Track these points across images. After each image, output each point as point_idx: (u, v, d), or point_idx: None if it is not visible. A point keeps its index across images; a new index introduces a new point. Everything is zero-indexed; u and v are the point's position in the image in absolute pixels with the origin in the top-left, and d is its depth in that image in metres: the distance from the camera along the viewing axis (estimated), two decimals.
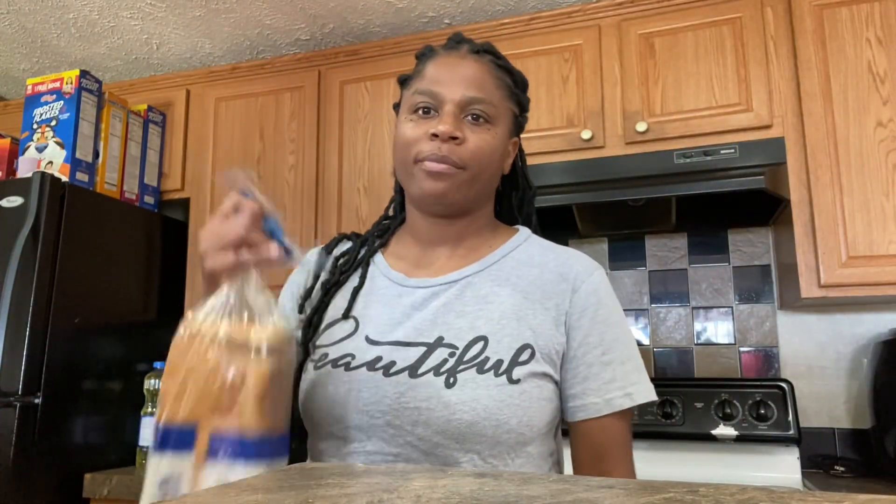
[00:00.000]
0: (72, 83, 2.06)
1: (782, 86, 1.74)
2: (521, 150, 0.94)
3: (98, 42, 2.31)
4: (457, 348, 0.77)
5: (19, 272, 1.72)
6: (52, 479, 1.75)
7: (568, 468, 0.84)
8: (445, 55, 0.85)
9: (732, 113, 1.76)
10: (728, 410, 1.78)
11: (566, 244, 0.89)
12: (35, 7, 2.11)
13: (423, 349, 0.78)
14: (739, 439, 1.76)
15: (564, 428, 0.85)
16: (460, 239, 0.87)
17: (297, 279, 0.95)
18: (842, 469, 1.72)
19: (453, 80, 0.82)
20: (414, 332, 0.80)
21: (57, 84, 2.09)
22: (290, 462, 0.64)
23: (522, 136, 0.98)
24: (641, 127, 1.80)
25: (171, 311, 2.19)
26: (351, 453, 0.79)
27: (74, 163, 2.01)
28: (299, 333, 0.88)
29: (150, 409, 1.92)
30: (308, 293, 0.90)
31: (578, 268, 0.83)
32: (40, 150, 2.04)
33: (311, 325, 0.88)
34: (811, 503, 0.33)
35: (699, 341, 2.02)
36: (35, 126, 2.07)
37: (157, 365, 1.98)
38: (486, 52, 0.86)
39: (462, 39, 0.87)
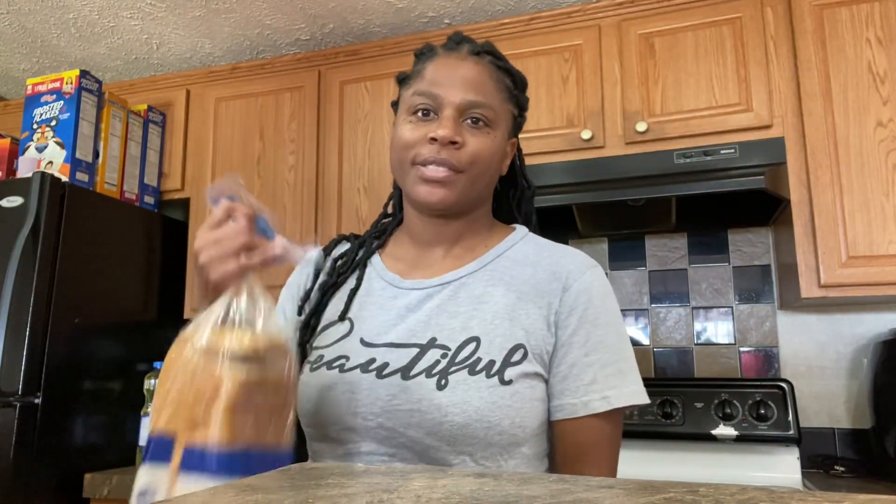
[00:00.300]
0: (72, 83, 2.06)
1: (782, 86, 1.74)
2: (519, 151, 0.93)
3: (98, 42, 2.31)
4: (449, 349, 0.77)
5: (19, 272, 1.72)
6: (52, 479, 1.75)
7: None
8: (445, 56, 0.85)
9: (732, 113, 1.76)
10: (728, 410, 1.78)
11: (566, 244, 0.89)
12: (35, 7, 2.11)
13: (416, 350, 0.78)
14: (739, 439, 1.76)
15: None
16: (457, 239, 0.87)
17: (297, 280, 0.95)
18: (842, 469, 1.72)
19: (453, 82, 0.82)
20: (407, 333, 0.80)
21: (57, 84, 2.09)
22: (291, 462, 0.64)
23: (522, 136, 0.97)
24: (641, 127, 1.80)
25: (171, 311, 2.19)
26: (345, 455, 0.79)
27: (74, 163, 2.01)
28: (297, 335, 0.88)
29: (149, 410, 1.92)
30: (307, 295, 0.91)
31: (571, 266, 0.82)
32: (40, 150, 2.04)
33: (309, 326, 0.88)
34: (811, 503, 0.33)
35: (699, 341, 2.02)
36: (35, 126, 2.07)
37: (157, 365, 1.98)
38: (486, 52, 0.86)
39: (462, 39, 0.87)
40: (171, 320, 2.18)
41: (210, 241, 0.69)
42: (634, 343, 2.07)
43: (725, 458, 1.80)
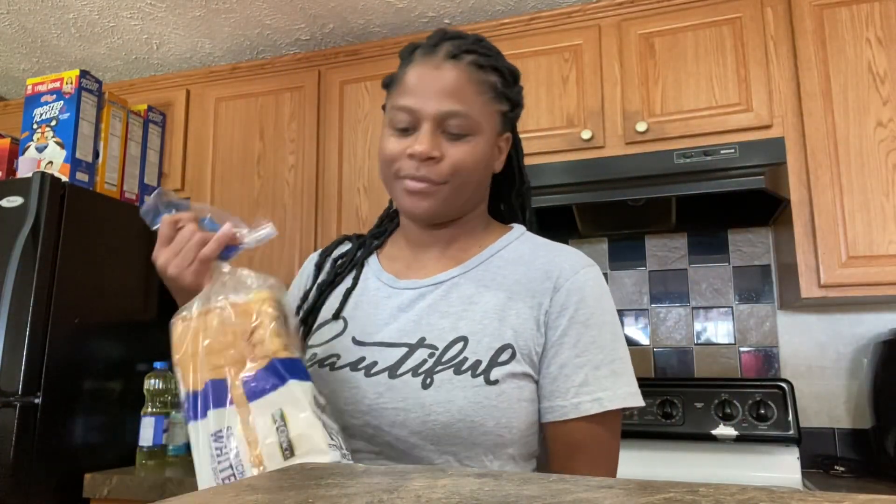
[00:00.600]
0: (72, 83, 2.06)
1: (782, 86, 1.74)
2: (516, 144, 0.91)
3: (98, 42, 2.31)
4: (437, 349, 0.77)
5: (19, 272, 1.72)
6: (52, 479, 1.75)
7: None
8: (422, 62, 0.82)
9: (732, 113, 1.76)
10: (728, 410, 1.78)
11: (566, 244, 0.88)
12: (35, 7, 2.11)
13: (404, 350, 0.78)
14: (739, 439, 1.76)
15: None
16: (451, 241, 0.87)
17: (298, 283, 0.97)
18: (842, 469, 1.72)
19: (428, 93, 0.79)
20: (398, 333, 0.80)
21: (57, 84, 2.09)
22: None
23: (522, 136, 0.97)
24: (641, 127, 1.80)
25: (171, 311, 2.17)
26: None
27: (74, 163, 2.01)
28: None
29: (150, 409, 1.92)
30: (306, 296, 0.92)
31: (565, 265, 0.81)
32: (40, 150, 2.04)
33: (306, 325, 0.88)
34: (811, 503, 0.33)
35: (699, 341, 2.02)
36: (35, 126, 2.07)
37: (157, 365, 1.98)
38: (467, 52, 0.81)
39: (441, 40, 0.83)
40: None
41: (170, 254, 0.76)
42: (634, 343, 2.07)
43: (725, 458, 1.80)
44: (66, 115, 2.04)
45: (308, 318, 0.89)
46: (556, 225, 2.02)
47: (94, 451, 1.88)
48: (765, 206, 1.81)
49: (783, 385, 1.78)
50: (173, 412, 1.95)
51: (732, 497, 0.34)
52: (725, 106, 1.77)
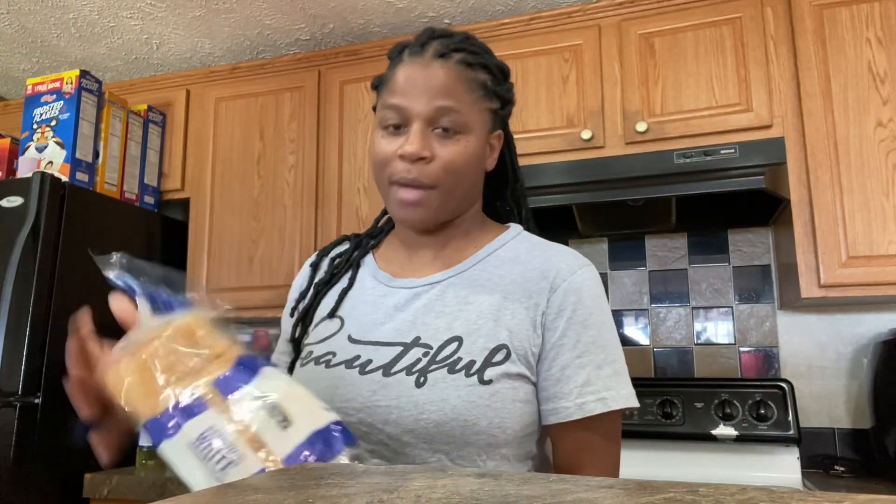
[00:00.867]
0: (72, 83, 2.06)
1: (782, 86, 1.74)
2: (509, 141, 0.90)
3: (98, 42, 2.31)
4: (431, 348, 0.77)
5: (19, 272, 1.72)
6: (52, 479, 1.75)
7: None
8: (410, 62, 0.82)
9: (732, 113, 1.76)
10: (728, 410, 1.78)
11: (566, 244, 0.88)
12: (35, 7, 2.11)
13: (399, 349, 0.78)
14: (739, 439, 1.76)
15: None
16: (446, 242, 0.87)
17: (297, 283, 0.97)
18: (842, 469, 1.72)
19: (417, 92, 0.79)
20: (393, 332, 0.80)
21: (57, 84, 2.09)
22: None
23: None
24: (641, 127, 1.80)
25: None
26: None
27: (74, 163, 2.01)
28: (292, 333, 0.90)
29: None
30: (303, 295, 0.92)
31: (561, 265, 0.80)
32: (40, 150, 2.04)
33: (303, 323, 0.89)
34: (811, 503, 0.33)
35: (699, 341, 2.02)
36: (35, 126, 2.07)
37: None
38: (455, 51, 0.81)
39: (430, 39, 0.83)
40: None
41: (75, 383, 0.78)
42: (634, 343, 2.07)
43: (725, 458, 1.80)
44: (66, 115, 2.04)
45: (305, 317, 0.89)
46: (556, 225, 2.02)
47: (94, 451, 1.88)
48: (765, 206, 1.81)
49: (783, 385, 1.78)
50: None
51: (732, 497, 0.34)
52: (725, 106, 1.77)
